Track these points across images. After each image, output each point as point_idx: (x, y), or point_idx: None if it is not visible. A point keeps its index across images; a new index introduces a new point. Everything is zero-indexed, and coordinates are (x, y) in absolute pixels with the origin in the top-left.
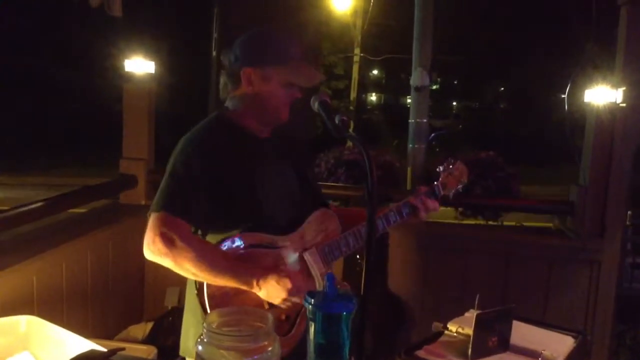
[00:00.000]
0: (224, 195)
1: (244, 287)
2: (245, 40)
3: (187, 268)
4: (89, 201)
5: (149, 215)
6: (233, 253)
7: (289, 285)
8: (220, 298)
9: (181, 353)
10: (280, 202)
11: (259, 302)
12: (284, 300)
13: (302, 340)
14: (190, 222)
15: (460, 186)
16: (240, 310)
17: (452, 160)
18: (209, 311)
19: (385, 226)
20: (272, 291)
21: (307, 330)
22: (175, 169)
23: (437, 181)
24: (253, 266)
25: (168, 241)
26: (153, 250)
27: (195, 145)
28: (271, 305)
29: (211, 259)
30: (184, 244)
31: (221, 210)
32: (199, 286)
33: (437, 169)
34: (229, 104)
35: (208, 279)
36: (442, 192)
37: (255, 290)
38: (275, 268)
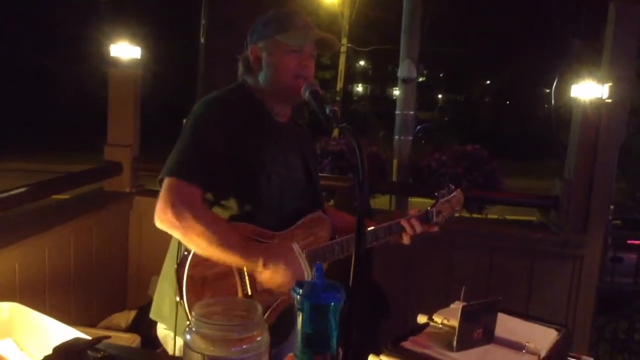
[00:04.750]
0: (231, 166)
1: (247, 265)
2: (253, 25)
3: (196, 242)
4: (73, 188)
5: (161, 178)
6: None
7: (294, 276)
8: (198, 282)
9: (152, 315)
10: (282, 191)
11: (234, 292)
12: (282, 288)
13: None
14: (204, 188)
15: (452, 213)
16: (228, 300)
17: (452, 188)
18: (184, 291)
19: (372, 242)
20: (277, 277)
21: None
22: (194, 129)
23: (433, 207)
24: (262, 247)
25: (179, 212)
26: (163, 220)
27: (216, 107)
28: (245, 295)
29: (221, 234)
30: (195, 217)
31: (222, 184)
32: (181, 261)
33: (435, 194)
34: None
35: (216, 253)
36: (434, 219)
37: (259, 270)
38: (283, 254)
